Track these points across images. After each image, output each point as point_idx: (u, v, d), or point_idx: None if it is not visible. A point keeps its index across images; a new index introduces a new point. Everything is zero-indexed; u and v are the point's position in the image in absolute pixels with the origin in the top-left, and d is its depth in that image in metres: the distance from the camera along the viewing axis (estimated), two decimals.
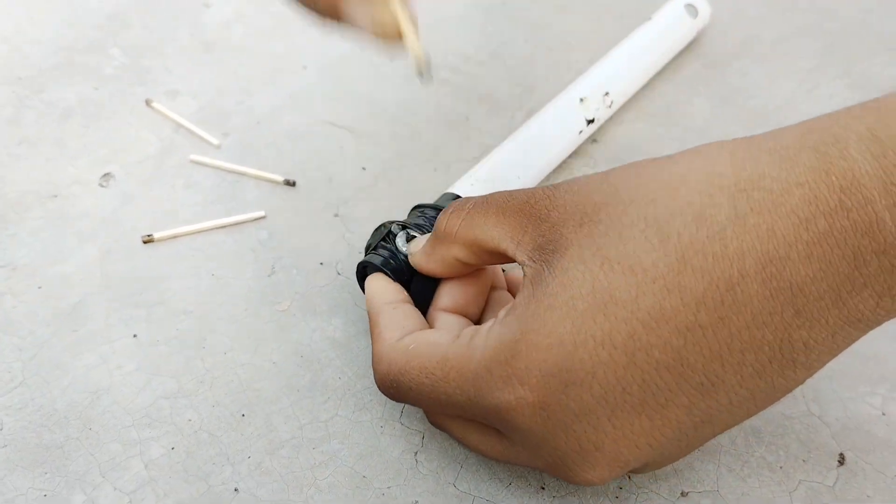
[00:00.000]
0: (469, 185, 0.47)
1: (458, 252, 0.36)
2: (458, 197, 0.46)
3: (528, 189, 0.33)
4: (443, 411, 0.34)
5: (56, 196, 0.53)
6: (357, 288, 0.48)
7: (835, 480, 0.40)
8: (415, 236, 0.44)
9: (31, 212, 0.52)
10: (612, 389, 0.27)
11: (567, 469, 0.31)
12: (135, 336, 0.46)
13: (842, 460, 0.41)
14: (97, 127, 0.58)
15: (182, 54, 0.63)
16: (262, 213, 0.52)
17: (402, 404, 0.43)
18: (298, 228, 0.51)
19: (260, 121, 0.58)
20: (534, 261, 0.30)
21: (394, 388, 0.35)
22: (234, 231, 0.51)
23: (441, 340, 0.33)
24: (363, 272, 0.45)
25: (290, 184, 0.53)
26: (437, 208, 0.46)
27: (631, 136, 0.57)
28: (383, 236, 0.45)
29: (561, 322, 0.28)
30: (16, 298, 0.48)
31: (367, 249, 0.45)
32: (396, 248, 0.43)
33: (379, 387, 0.37)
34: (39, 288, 0.48)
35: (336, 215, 0.52)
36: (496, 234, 0.33)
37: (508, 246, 0.32)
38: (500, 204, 0.33)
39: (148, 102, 0.59)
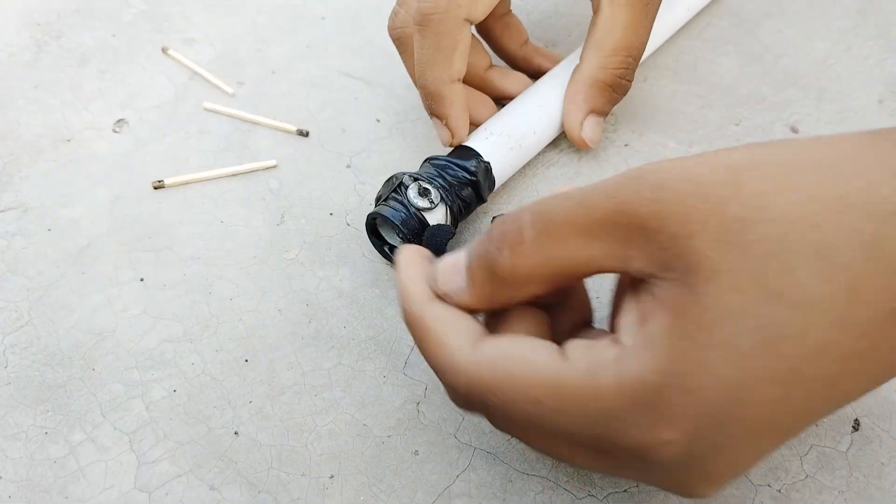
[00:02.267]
0: (484, 139, 0.46)
1: (531, 290, 0.29)
2: (472, 150, 0.45)
3: (598, 189, 0.27)
4: (545, 437, 0.29)
5: (70, 140, 0.53)
6: (366, 239, 0.47)
7: (848, 446, 0.39)
8: (427, 189, 0.43)
9: (44, 154, 0.52)
10: (764, 423, 0.25)
11: (688, 489, 0.28)
12: (142, 280, 0.46)
13: (856, 426, 0.39)
14: (113, 73, 0.57)
15: (201, 2, 0.62)
16: (273, 162, 0.51)
17: (405, 359, 0.42)
18: (309, 178, 0.51)
19: (275, 70, 0.57)
20: (665, 279, 0.25)
21: (478, 406, 0.30)
22: (245, 179, 0.51)
23: (542, 360, 0.27)
24: (373, 224, 0.45)
25: (303, 134, 0.53)
26: (450, 161, 0.45)
27: (654, 92, 0.55)
28: (394, 188, 0.44)
29: (722, 364, 0.24)
30: (26, 239, 0.48)
31: (378, 200, 0.45)
32: (409, 201, 0.43)
33: (453, 401, 0.32)
34: (49, 230, 0.48)
35: (348, 166, 0.51)
36: (588, 257, 0.27)
37: (615, 265, 0.27)
38: (575, 220, 0.27)
39: (164, 50, 0.58)
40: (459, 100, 0.45)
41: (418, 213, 0.42)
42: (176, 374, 0.42)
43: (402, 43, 0.47)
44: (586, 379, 0.26)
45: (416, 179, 0.43)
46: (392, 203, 0.43)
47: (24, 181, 0.50)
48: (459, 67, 0.44)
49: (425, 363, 0.41)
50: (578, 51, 0.50)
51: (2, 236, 0.48)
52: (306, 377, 0.41)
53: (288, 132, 0.53)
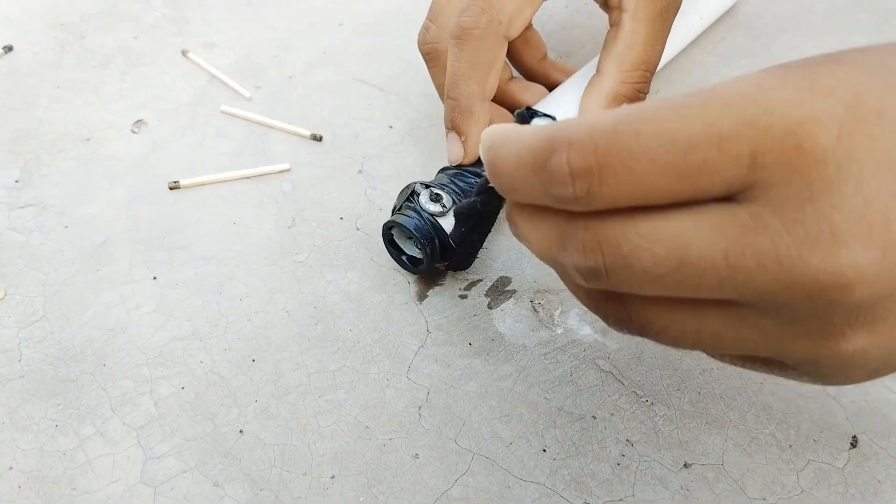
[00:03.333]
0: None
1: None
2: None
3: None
4: (670, 176, 0.22)
5: (89, 139, 0.54)
6: (374, 243, 0.48)
7: (845, 462, 0.39)
8: (439, 194, 0.43)
9: (64, 153, 0.53)
10: None
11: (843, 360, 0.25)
12: (155, 278, 0.47)
13: (854, 443, 0.40)
14: (134, 74, 0.59)
15: (222, 6, 0.64)
16: (286, 166, 0.52)
17: (409, 363, 0.43)
18: (322, 182, 0.51)
19: (292, 75, 0.58)
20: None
21: (600, 156, 0.23)
22: (258, 182, 0.52)
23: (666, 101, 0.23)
24: (390, 235, 0.45)
25: (317, 138, 0.54)
26: (463, 170, 0.45)
27: None
28: (407, 196, 0.45)
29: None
30: (44, 236, 0.49)
31: (393, 211, 0.45)
32: (421, 207, 0.43)
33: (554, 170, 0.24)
34: (66, 227, 0.49)
35: (360, 171, 0.52)
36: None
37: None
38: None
39: (184, 53, 0.59)
40: (484, 120, 0.45)
41: (431, 219, 0.43)
42: (185, 371, 0.43)
43: (432, 58, 0.48)
44: (721, 87, 0.23)
45: (427, 186, 0.44)
46: (405, 211, 0.44)
47: (43, 179, 0.52)
48: (492, 85, 0.45)
49: (428, 367, 0.42)
50: (592, 63, 0.51)
51: (20, 232, 0.49)
52: (311, 378, 0.42)
53: (302, 136, 0.54)
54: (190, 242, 0.48)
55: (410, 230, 0.43)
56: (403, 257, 0.46)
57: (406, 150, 0.53)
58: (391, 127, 0.55)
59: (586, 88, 0.48)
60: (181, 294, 0.46)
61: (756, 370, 0.28)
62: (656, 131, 0.22)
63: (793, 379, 0.28)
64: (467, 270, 0.47)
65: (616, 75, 0.46)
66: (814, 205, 0.21)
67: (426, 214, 0.43)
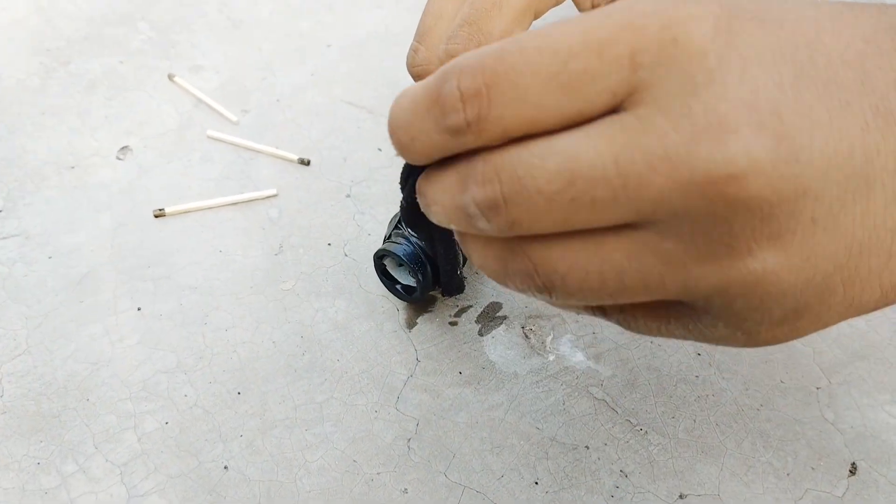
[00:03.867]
0: None
1: None
2: None
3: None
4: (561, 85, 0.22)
5: (74, 167, 0.53)
6: (362, 269, 0.47)
7: (844, 490, 0.38)
8: None
9: (48, 181, 0.53)
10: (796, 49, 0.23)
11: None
12: (139, 309, 0.46)
13: (853, 470, 0.39)
14: (120, 100, 0.58)
15: (209, 30, 0.63)
16: (273, 191, 0.51)
17: (398, 393, 0.42)
18: (309, 208, 0.51)
19: (280, 98, 0.58)
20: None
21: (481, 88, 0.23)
22: (245, 208, 0.51)
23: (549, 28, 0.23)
24: (380, 263, 0.44)
25: (305, 163, 0.53)
26: None
27: None
28: (396, 223, 0.44)
29: None
30: (27, 266, 0.48)
31: (384, 241, 0.45)
32: (410, 233, 0.43)
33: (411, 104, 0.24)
34: (50, 258, 0.48)
35: (348, 196, 0.51)
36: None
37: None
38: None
39: (170, 77, 0.59)
40: None
41: (421, 244, 0.42)
42: (169, 406, 0.42)
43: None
44: (597, 13, 0.22)
45: None
46: (395, 238, 0.43)
47: (27, 208, 0.51)
48: None
49: (418, 398, 0.41)
50: None
51: (3, 263, 0.48)
52: (298, 411, 0.41)
53: (289, 161, 0.53)
54: (175, 272, 0.48)
55: (401, 257, 0.42)
56: (397, 286, 0.45)
57: (395, 173, 0.53)
58: (380, 149, 0.54)
59: None
60: (166, 325, 0.45)
61: (672, 333, 0.26)
62: (538, 45, 0.22)
63: (713, 339, 0.25)
64: (458, 297, 0.46)
65: None
66: (698, 97, 0.21)
67: (415, 240, 0.42)
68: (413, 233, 0.43)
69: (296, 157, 0.53)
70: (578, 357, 0.43)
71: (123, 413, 0.42)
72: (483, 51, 0.22)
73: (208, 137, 0.55)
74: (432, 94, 0.23)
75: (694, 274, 0.22)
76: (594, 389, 0.42)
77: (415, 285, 0.44)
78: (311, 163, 0.53)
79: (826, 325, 0.25)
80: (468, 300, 0.46)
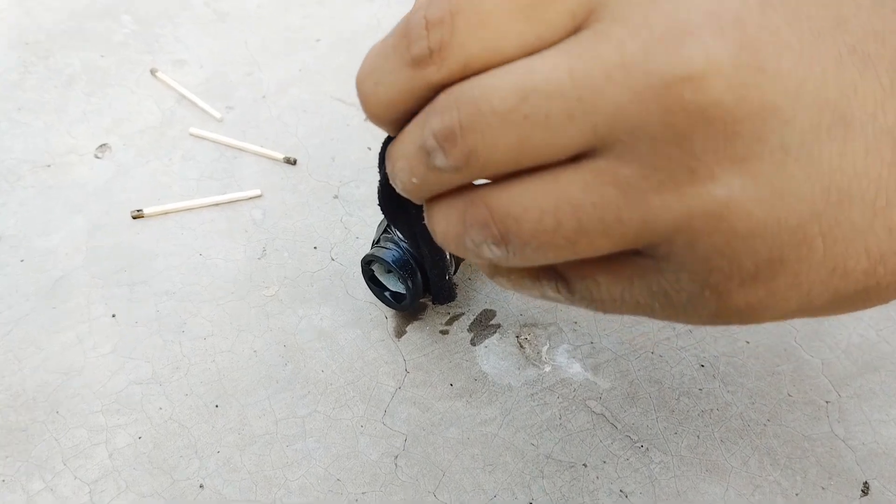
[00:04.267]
0: None
1: None
2: None
3: None
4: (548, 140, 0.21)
5: (50, 165, 0.51)
6: (349, 274, 0.45)
7: None
8: None
9: (23, 180, 0.50)
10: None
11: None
12: (114, 316, 0.44)
13: (866, 490, 0.36)
14: (100, 95, 0.56)
15: (194, 23, 0.61)
16: (258, 192, 0.49)
17: (385, 407, 0.40)
18: (295, 209, 0.48)
19: (266, 95, 0.55)
20: None
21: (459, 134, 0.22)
22: (227, 209, 0.49)
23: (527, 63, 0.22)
24: (369, 269, 0.42)
25: (291, 162, 0.51)
26: None
27: None
28: (385, 228, 0.42)
29: None
30: None
31: (373, 245, 0.43)
32: (399, 237, 0.40)
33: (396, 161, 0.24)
34: (22, 261, 0.46)
35: (335, 196, 0.49)
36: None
37: None
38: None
39: (153, 72, 0.56)
40: None
41: (410, 250, 0.40)
42: (142, 419, 0.40)
43: None
44: (581, 49, 0.21)
45: None
46: (383, 243, 0.41)
47: (0, 208, 0.49)
48: None
49: (406, 411, 0.39)
50: None
51: None
52: (279, 425, 0.39)
53: (275, 160, 0.51)
54: (152, 276, 0.45)
55: (389, 263, 0.40)
56: (386, 293, 0.43)
57: None
58: (370, 149, 0.52)
59: None
60: (141, 332, 0.43)
61: (636, 298, 0.24)
62: None
63: (680, 304, 0.23)
64: (449, 304, 0.44)
65: None
66: (657, 6, 0.20)
67: (404, 245, 0.40)
68: (399, 235, 0.41)
69: (281, 156, 0.51)
70: (576, 368, 0.41)
71: (95, 427, 0.39)
72: None
73: (191, 135, 0.52)
74: (400, 30, 0.23)
75: (654, 204, 0.21)
76: (592, 403, 0.40)
77: (404, 292, 0.42)
78: (298, 162, 0.51)
79: (809, 296, 0.23)
80: (460, 307, 0.44)
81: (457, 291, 0.42)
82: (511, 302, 0.44)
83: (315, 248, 0.46)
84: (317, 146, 0.52)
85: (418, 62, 0.22)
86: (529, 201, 0.22)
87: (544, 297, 0.27)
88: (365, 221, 0.48)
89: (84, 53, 0.59)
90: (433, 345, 0.42)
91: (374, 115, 0.24)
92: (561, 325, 0.43)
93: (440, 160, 0.22)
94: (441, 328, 0.43)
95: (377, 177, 0.50)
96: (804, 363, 0.41)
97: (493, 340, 0.42)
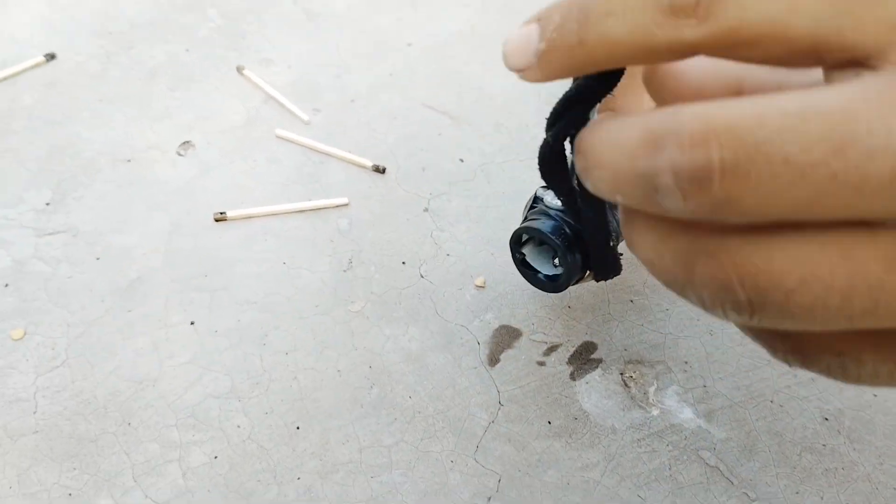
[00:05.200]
0: None
1: None
2: None
3: None
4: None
5: (130, 160, 0.49)
6: (440, 294, 0.42)
7: None
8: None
9: (102, 174, 0.48)
10: None
11: None
12: (192, 323, 0.41)
13: None
14: (184, 90, 0.54)
15: (282, 21, 0.59)
16: (345, 200, 0.46)
17: (478, 441, 0.37)
18: (383, 220, 0.46)
19: (355, 99, 0.53)
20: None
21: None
22: (313, 216, 0.46)
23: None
24: (520, 252, 0.38)
25: (380, 170, 0.48)
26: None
27: None
28: (531, 204, 0.38)
29: None
30: (73, 268, 0.44)
31: (525, 217, 0.38)
32: (548, 206, 0.37)
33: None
34: (98, 259, 0.44)
35: (426, 210, 0.46)
36: None
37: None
38: None
39: (239, 70, 0.54)
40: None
41: (562, 216, 0.36)
42: (219, 437, 0.37)
43: None
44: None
45: (545, 188, 0.38)
46: (534, 217, 0.37)
47: (77, 202, 0.47)
48: None
49: (500, 448, 0.36)
50: None
51: (47, 262, 0.44)
52: (363, 454, 0.36)
53: (363, 167, 0.48)
54: (233, 283, 0.43)
55: (545, 234, 0.35)
56: (540, 275, 0.38)
57: (478, 187, 0.47)
58: (462, 160, 0.49)
59: None
60: (221, 343, 0.40)
61: None
62: None
63: None
64: (545, 333, 0.41)
65: None
66: None
67: (554, 212, 0.36)
68: (553, 205, 0.37)
69: (370, 164, 0.48)
70: (687, 413, 0.37)
71: (168, 442, 0.37)
72: None
73: (277, 137, 0.50)
74: None
75: None
76: (705, 454, 0.36)
77: (559, 273, 0.37)
78: (387, 171, 0.48)
79: None
80: (558, 337, 0.40)
81: (622, 264, 0.37)
82: (614, 335, 0.40)
83: (403, 263, 0.44)
84: (407, 155, 0.49)
85: (677, 10, 0.17)
86: (809, 273, 0.17)
87: (762, 346, 0.21)
88: (457, 238, 0.45)
89: (168, 46, 0.57)
90: (529, 376, 0.39)
91: (584, 54, 0.19)
92: (670, 364, 0.39)
93: (673, 203, 0.17)
94: (538, 359, 0.40)
95: (470, 191, 0.47)
96: None
97: (594, 376, 0.39)
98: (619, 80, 0.21)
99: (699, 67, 0.21)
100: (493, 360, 0.40)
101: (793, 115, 0.16)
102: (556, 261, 0.37)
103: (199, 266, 0.44)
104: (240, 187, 0.48)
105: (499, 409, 0.38)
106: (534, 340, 0.40)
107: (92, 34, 0.57)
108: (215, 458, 0.36)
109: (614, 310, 0.41)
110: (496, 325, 0.41)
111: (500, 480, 0.35)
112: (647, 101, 0.38)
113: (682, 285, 0.18)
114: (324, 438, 0.37)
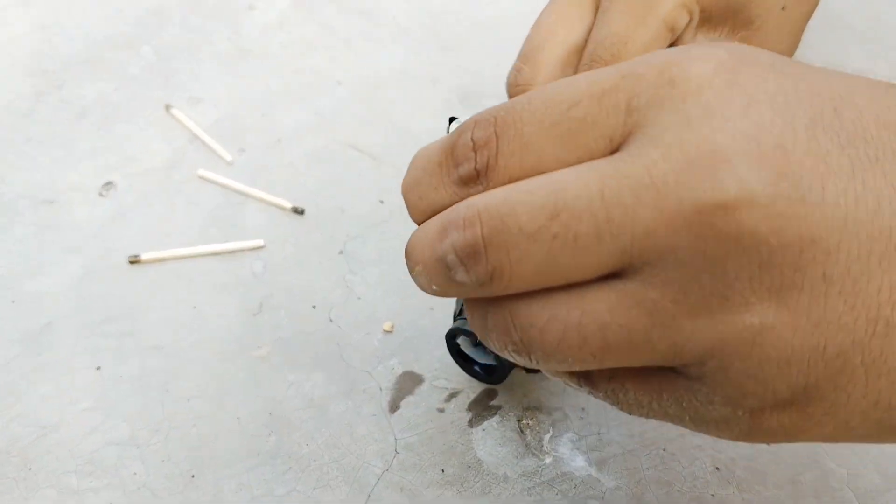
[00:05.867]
0: None
1: None
2: None
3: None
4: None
5: (52, 202, 0.50)
6: (347, 338, 0.43)
7: None
8: None
9: (22, 217, 0.49)
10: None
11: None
12: (98, 369, 0.42)
13: None
14: (109, 130, 0.54)
15: (214, 59, 0.59)
16: (261, 243, 0.47)
17: (369, 491, 0.37)
18: (297, 263, 0.46)
19: (280, 138, 0.53)
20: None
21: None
22: (227, 259, 0.46)
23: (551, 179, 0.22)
24: (454, 344, 0.39)
25: (298, 212, 0.48)
26: None
27: None
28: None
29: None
30: None
31: (455, 317, 0.39)
32: None
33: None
34: (13, 302, 0.44)
35: (341, 252, 0.47)
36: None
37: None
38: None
39: (167, 108, 0.55)
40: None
41: None
42: (116, 484, 0.37)
43: None
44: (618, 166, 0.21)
45: None
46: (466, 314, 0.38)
47: None
48: None
49: (392, 497, 0.36)
50: None
51: None
52: (255, 503, 0.37)
53: (282, 209, 0.49)
54: (141, 328, 0.43)
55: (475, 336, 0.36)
56: (476, 367, 0.39)
57: (395, 229, 0.48)
58: (382, 202, 0.49)
59: None
60: (124, 389, 0.41)
61: (665, 410, 0.23)
62: (546, 96, 0.22)
63: (712, 420, 0.22)
64: (448, 379, 0.41)
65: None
66: (692, 129, 0.20)
67: None
68: None
69: (289, 205, 0.49)
70: (579, 462, 0.38)
71: (66, 488, 0.37)
72: (499, 104, 0.23)
73: (199, 177, 0.51)
74: (447, 147, 0.24)
75: (684, 329, 0.20)
76: (593, 503, 0.36)
77: (494, 363, 0.38)
78: (306, 212, 0.49)
79: (847, 424, 0.21)
80: (460, 384, 0.41)
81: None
82: (515, 381, 0.41)
83: (314, 307, 0.44)
84: (327, 196, 0.50)
85: (465, 181, 0.23)
86: (553, 315, 0.22)
87: (567, 385, 0.26)
88: (367, 282, 0.45)
89: (98, 85, 0.57)
90: (428, 423, 0.39)
91: (418, 222, 0.25)
92: (567, 411, 0.40)
93: (461, 276, 0.22)
94: (438, 405, 0.40)
95: (386, 233, 0.47)
96: (829, 473, 0.37)
97: (492, 423, 0.39)
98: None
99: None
100: (394, 407, 0.40)
101: (524, 190, 0.21)
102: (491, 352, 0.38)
103: (110, 310, 0.44)
104: (157, 229, 0.48)
105: (394, 456, 0.38)
106: (436, 386, 0.41)
107: (27, 73, 0.58)
108: None
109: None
110: (400, 371, 0.41)
111: None
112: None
113: (483, 332, 0.24)
114: (217, 487, 0.37)
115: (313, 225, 0.48)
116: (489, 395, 0.40)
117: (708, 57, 0.21)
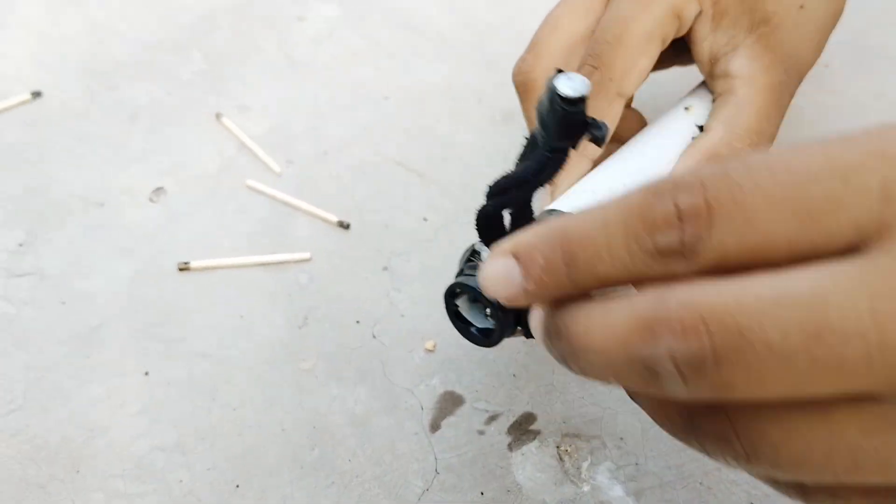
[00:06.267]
0: (576, 198, 0.40)
1: None
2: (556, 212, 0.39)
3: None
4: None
5: (103, 205, 0.51)
6: (390, 355, 0.43)
7: None
8: None
9: (73, 217, 0.50)
10: None
11: None
12: (146, 374, 0.42)
13: None
14: (161, 134, 0.55)
15: (264, 68, 0.60)
16: (307, 255, 0.48)
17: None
18: (342, 277, 0.47)
19: (327, 150, 0.54)
20: None
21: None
22: (274, 270, 0.47)
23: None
24: (453, 304, 0.39)
25: (344, 226, 0.49)
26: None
27: None
28: (468, 257, 0.39)
29: None
30: (37, 310, 0.45)
31: (458, 276, 0.39)
32: (482, 261, 0.38)
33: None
34: (63, 303, 0.45)
35: (385, 268, 0.47)
36: None
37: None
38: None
39: (218, 117, 0.56)
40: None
41: None
42: (161, 489, 0.38)
43: (525, 90, 0.43)
44: None
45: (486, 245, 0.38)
46: (468, 271, 0.38)
47: (47, 245, 0.48)
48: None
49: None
50: (674, 111, 0.44)
51: (13, 303, 0.45)
52: None
53: (328, 222, 0.50)
54: (190, 334, 0.44)
55: (476, 291, 0.36)
56: (472, 329, 0.38)
57: (438, 247, 0.49)
58: (426, 219, 0.50)
59: (687, 147, 0.41)
60: (172, 395, 0.42)
61: None
62: (770, 164, 0.19)
63: None
64: (488, 401, 0.42)
65: (723, 135, 0.40)
66: None
67: None
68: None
69: (335, 219, 0.50)
70: (617, 491, 0.38)
71: (113, 492, 0.38)
72: (702, 168, 0.19)
73: (247, 187, 0.52)
74: (637, 208, 0.20)
75: None
76: None
77: (492, 327, 0.37)
78: (351, 226, 0.49)
79: None
80: (500, 406, 0.42)
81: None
82: (555, 406, 0.41)
83: (357, 322, 0.45)
84: (372, 211, 0.50)
85: (665, 253, 0.19)
86: (792, 431, 0.19)
87: (775, 490, 0.23)
88: (412, 299, 0.46)
89: (151, 87, 0.58)
90: (468, 444, 0.40)
91: (574, 289, 0.21)
92: (605, 440, 0.40)
93: (674, 386, 0.19)
94: (478, 427, 0.41)
95: (430, 251, 0.48)
96: None
97: (531, 448, 0.40)
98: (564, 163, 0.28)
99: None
100: (435, 427, 0.41)
101: (762, 295, 0.18)
102: (489, 315, 0.37)
103: (159, 315, 0.45)
104: (207, 237, 0.49)
105: (435, 476, 0.39)
106: (476, 408, 0.42)
107: (79, 73, 0.59)
108: None
109: (557, 381, 0.42)
110: (441, 391, 0.42)
111: None
112: (575, 175, 0.41)
113: (684, 434, 0.21)
114: (261, 498, 0.38)
115: (358, 239, 0.49)
116: (529, 419, 0.41)
117: None
